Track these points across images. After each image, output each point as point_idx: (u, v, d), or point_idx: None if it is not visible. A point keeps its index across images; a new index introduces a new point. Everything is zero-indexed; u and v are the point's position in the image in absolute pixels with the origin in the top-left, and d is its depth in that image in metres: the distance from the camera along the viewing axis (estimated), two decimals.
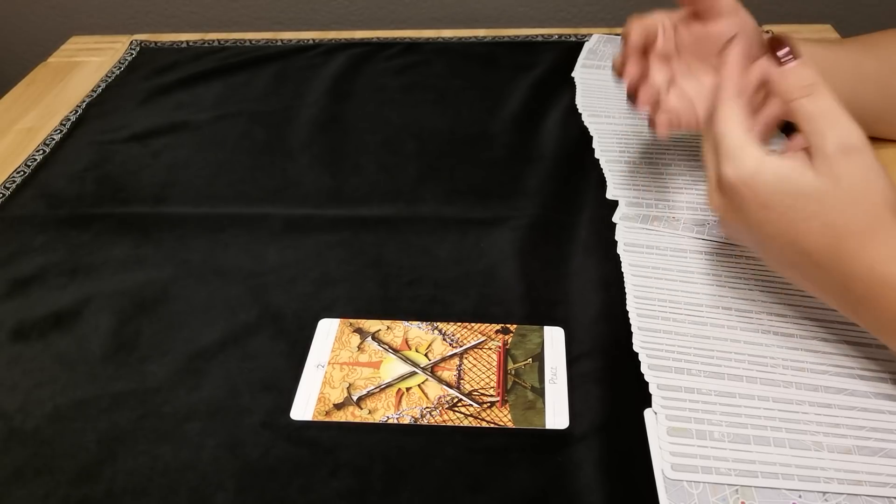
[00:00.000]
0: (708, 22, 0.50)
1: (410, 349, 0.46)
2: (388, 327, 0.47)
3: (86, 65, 0.82)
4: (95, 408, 0.43)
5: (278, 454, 0.40)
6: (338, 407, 0.42)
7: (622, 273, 0.50)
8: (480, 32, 0.84)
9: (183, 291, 0.51)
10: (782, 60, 0.38)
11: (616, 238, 0.53)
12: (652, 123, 0.50)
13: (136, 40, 0.86)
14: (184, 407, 0.43)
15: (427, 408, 0.42)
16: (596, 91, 0.71)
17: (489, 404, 0.42)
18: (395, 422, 0.41)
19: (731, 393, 0.41)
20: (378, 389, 0.43)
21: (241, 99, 0.73)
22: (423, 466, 0.39)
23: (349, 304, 0.49)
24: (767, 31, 0.47)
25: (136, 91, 0.75)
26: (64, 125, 0.70)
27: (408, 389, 0.43)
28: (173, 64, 0.80)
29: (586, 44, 0.79)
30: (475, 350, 0.45)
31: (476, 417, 0.41)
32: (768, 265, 0.47)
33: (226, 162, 0.64)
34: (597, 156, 0.62)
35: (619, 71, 0.50)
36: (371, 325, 0.47)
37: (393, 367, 0.45)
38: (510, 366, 0.44)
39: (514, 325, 0.47)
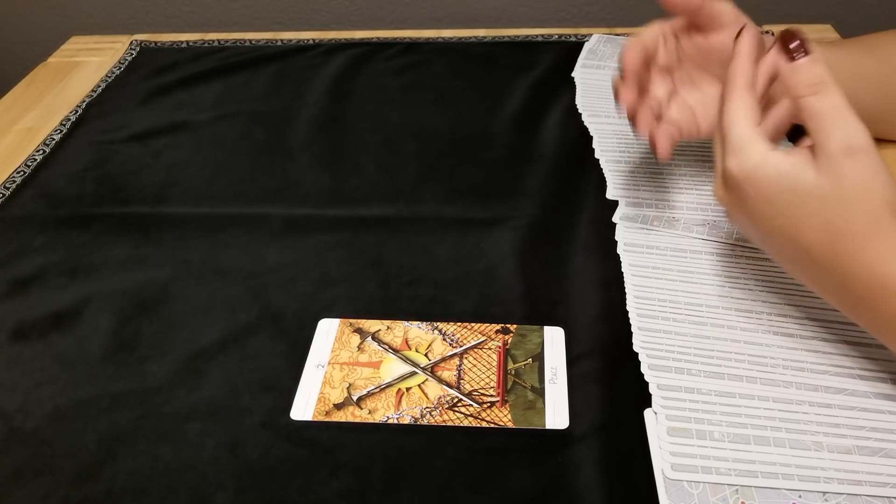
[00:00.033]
0: (710, 33, 0.50)
1: (410, 349, 0.46)
2: (388, 327, 0.47)
3: (86, 65, 0.82)
4: (95, 408, 0.43)
5: (278, 454, 0.40)
6: (338, 407, 0.42)
7: (622, 273, 0.50)
8: (480, 32, 0.84)
9: (183, 291, 0.51)
10: (793, 55, 0.38)
11: (616, 238, 0.53)
12: (653, 147, 0.49)
13: (136, 40, 0.86)
14: (184, 407, 0.43)
15: (427, 408, 0.42)
16: (596, 91, 0.71)
17: (489, 404, 0.42)
18: (395, 422, 0.41)
19: (731, 393, 0.41)
20: (378, 389, 0.43)
21: (241, 99, 0.73)
22: (423, 466, 0.39)
23: (349, 304, 0.49)
24: (767, 32, 0.47)
25: (136, 91, 0.75)
26: (64, 125, 0.70)
27: (408, 389, 0.43)
28: (173, 64, 0.80)
29: (586, 44, 0.79)
30: (475, 350, 0.45)
31: (476, 417, 0.41)
32: (773, 259, 0.47)
33: (226, 162, 0.64)
34: (597, 156, 0.62)
35: (616, 96, 0.50)
36: (371, 325, 0.47)
37: (393, 367, 0.45)
38: (510, 366, 0.44)
39: (514, 325, 0.47)
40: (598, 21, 0.96)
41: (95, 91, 0.76)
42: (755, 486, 0.37)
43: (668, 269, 0.50)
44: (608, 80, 0.72)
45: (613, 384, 0.42)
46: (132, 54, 0.83)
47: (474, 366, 0.44)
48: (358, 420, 0.42)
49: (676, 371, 0.43)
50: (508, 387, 0.43)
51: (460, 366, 0.44)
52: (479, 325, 0.47)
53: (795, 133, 0.47)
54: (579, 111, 0.68)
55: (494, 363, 0.44)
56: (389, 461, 0.39)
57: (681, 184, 0.57)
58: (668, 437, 0.39)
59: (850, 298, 0.39)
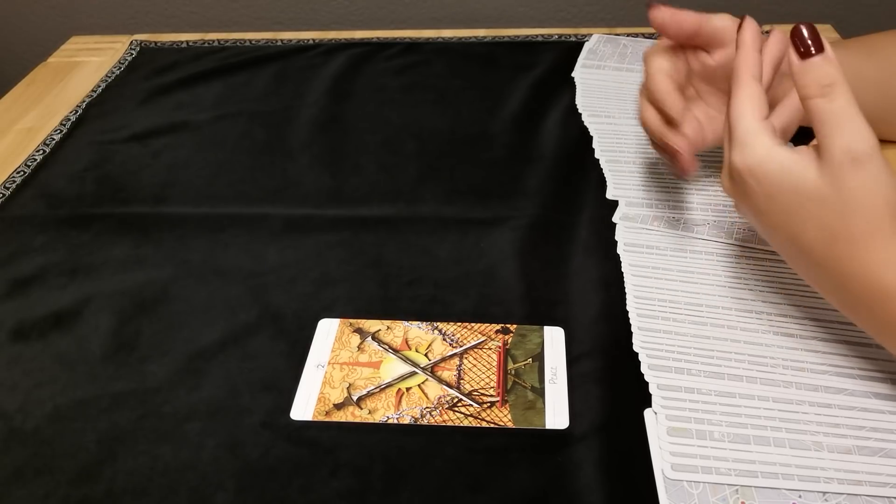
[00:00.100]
0: (714, 51, 0.49)
1: (410, 349, 0.46)
2: (388, 327, 0.47)
3: (86, 65, 0.82)
4: (95, 408, 0.43)
5: (278, 454, 0.40)
6: (338, 407, 0.42)
7: (622, 273, 0.50)
8: (480, 32, 0.84)
9: (183, 291, 0.51)
10: (805, 52, 0.38)
11: (616, 238, 0.53)
12: (682, 168, 0.48)
13: (136, 40, 0.86)
14: (184, 407, 0.43)
15: (427, 408, 0.42)
16: (596, 91, 0.71)
17: (489, 404, 0.42)
18: (395, 422, 0.41)
19: (731, 393, 0.41)
20: (378, 389, 0.43)
21: (241, 99, 0.73)
22: (423, 466, 0.39)
23: (349, 304, 0.49)
24: (767, 32, 0.47)
25: (136, 91, 0.75)
26: (64, 125, 0.70)
27: (408, 389, 0.43)
28: (173, 64, 0.80)
29: (586, 44, 0.79)
30: (475, 350, 0.45)
31: (476, 417, 0.41)
32: (777, 254, 0.47)
33: (226, 162, 0.64)
34: (597, 156, 0.62)
35: (669, 145, 0.48)
36: (371, 325, 0.47)
37: (393, 367, 0.45)
38: (510, 366, 0.44)
39: (514, 325, 0.47)
40: (598, 21, 0.96)
41: (95, 91, 0.76)
42: (755, 486, 0.37)
43: (668, 269, 0.50)
44: (608, 80, 0.72)
45: (613, 384, 0.42)
46: (132, 54, 0.83)
47: (474, 366, 0.44)
48: (358, 420, 0.42)
49: (676, 371, 0.43)
50: (508, 387, 0.43)
51: (460, 366, 0.44)
52: (479, 325, 0.47)
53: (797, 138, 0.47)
54: (579, 111, 0.68)
55: (494, 363, 0.44)
56: (389, 461, 0.39)
57: (681, 184, 0.57)
58: (668, 437, 0.39)
59: (848, 299, 0.39)
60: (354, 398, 0.43)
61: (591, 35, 0.81)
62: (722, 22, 0.48)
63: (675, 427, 0.40)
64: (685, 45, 0.50)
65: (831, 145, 0.36)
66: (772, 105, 0.44)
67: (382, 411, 0.42)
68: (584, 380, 0.43)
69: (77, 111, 0.72)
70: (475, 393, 0.43)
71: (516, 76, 0.74)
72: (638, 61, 0.75)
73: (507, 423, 0.41)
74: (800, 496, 0.36)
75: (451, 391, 0.43)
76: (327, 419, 0.42)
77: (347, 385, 0.44)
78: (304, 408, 0.42)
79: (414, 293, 0.50)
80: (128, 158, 0.65)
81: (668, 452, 0.38)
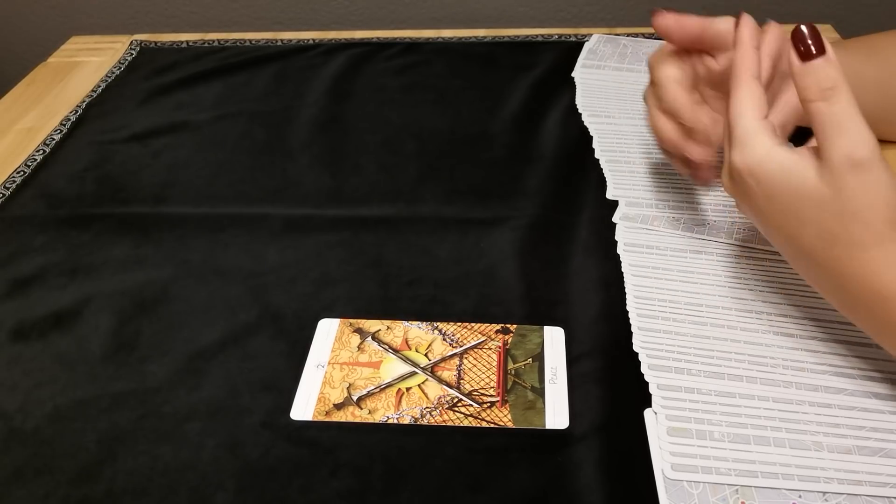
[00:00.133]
0: (718, 55, 0.49)
1: (410, 349, 0.46)
2: (388, 327, 0.47)
3: (86, 65, 0.82)
4: (95, 408, 0.43)
5: (278, 454, 0.40)
6: (338, 407, 0.42)
7: (622, 273, 0.50)
8: (480, 32, 0.84)
9: (183, 291, 0.51)
10: (806, 54, 0.37)
11: (616, 238, 0.53)
12: (703, 180, 0.48)
13: (136, 40, 0.86)
14: (184, 407, 0.43)
15: (427, 408, 0.42)
16: (596, 91, 0.71)
17: (489, 404, 0.42)
18: (395, 422, 0.41)
19: (731, 393, 0.41)
20: (378, 389, 0.43)
21: (241, 99, 0.73)
22: (423, 466, 0.39)
23: (349, 304, 0.49)
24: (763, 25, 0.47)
25: (136, 91, 0.75)
26: (64, 125, 0.70)
27: (408, 389, 0.43)
28: (173, 64, 0.80)
29: (586, 44, 0.79)
30: (475, 350, 0.45)
31: (476, 417, 0.41)
32: (778, 254, 0.47)
33: (226, 162, 0.64)
34: (597, 156, 0.62)
35: (692, 157, 0.48)
36: (371, 325, 0.47)
37: (393, 367, 0.45)
38: (510, 366, 0.44)
39: (514, 325, 0.47)
40: (598, 21, 0.96)
41: (95, 91, 0.76)
42: (755, 486, 0.37)
43: (668, 269, 0.50)
44: (608, 80, 0.72)
45: (613, 384, 0.42)
46: (132, 54, 0.83)
47: (474, 366, 0.44)
48: (358, 420, 0.42)
49: (676, 371, 0.43)
50: (508, 387, 0.43)
51: (460, 366, 0.44)
52: (479, 325, 0.47)
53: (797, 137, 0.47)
54: (579, 111, 0.68)
55: (494, 363, 0.44)
56: (389, 461, 0.39)
57: (681, 184, 0.57)
58: (668, 437, 0.39)
59: (848, 300, 0.39)
60: (354, 398, 0.43)
61: (591, 35, 0.81)
62: (725, 25, 0.48)
63: (675, 427, 0.40)
64: (690, 49, 0.50)
65: (832, 149, 0.36)
66: (771, 101, 0.44)
67: (382, 411, 0.42)
68: (584, 380, 0.43)
69: (77, 111, 0.72)
70: (475, 393, 0.43)
71: (516, 76, 0.74)
72: (638, 61, 0.75)
73: (507, 423, 0.41)
74: (800, 496, 0.36)
75: (451, 391, 0.43)
76: (327, 419, 0.42)
77: (347, 385, 0.44)
78: (304, 408, 0.42)
79: (414, 293, 0.50)
80: (128, 158, 0.65)
81: (668, 452, 0.38)
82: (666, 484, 0.37)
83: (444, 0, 0.95)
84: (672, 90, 0.48)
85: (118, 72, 0.79)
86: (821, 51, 0.37)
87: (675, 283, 0.48)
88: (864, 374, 0.42)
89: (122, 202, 0.60)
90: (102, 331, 0.48)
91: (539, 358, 0.44)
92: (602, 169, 0.60)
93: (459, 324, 0.47)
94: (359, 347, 0.46)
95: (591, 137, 0.64)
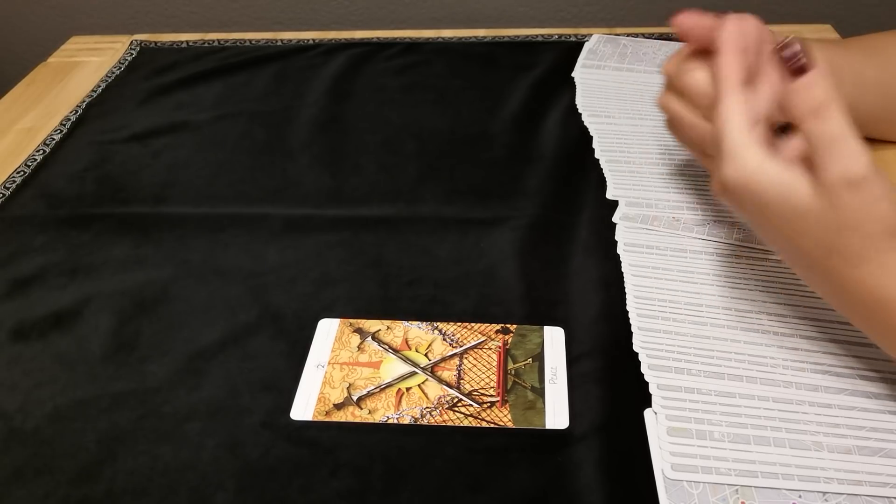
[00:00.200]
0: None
1: (410, 349, 0.46)
2: (388, 327, 0.47)
3: (86, 65, 0.82)
4: (95, 408, 0.43)
5: (278, 454, 0.40)
6: (338, 407, 0.42)
7: (622, 273, 0.50)
8: (480, 32, 0.84)
9: (183, 291, 0.51)
10: (790, 67, 0.37)
11: (616, 238, 0.53)
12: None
13: (136, 40, 0.86)
14: (184, 407, 0.43)
15: (427, 408, 0.42)
16: (596, 91, 0.71)
17: (489, 404, 0.42)
18: (395, 422, 0.41)
19: (731, 393, 0.41)
20: (378, 389, 0.43)
21: (241, 99, 0.73)
22: (423, 466, 0.39)
23: (349, 304, 0.49)
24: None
25: (136, 91, 0.75)
26: (64, 125, 0.70)
27: (408, 389, 0.43)
28: (173, 64, 0.80)
29: (586, 44, 0.79)
30: (475, 350, 0.45)
31: (476, 417, 0.41)
32: (776, 257, 0.47)
33: (226, 162, 0.64)
34: (597, 156, 0.62)
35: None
36: (371, 325, 0.47)
37: (393, 367, 0.45)
38: (510, 366, 0.44)
39: (514, 325, 0.47)
40: (598, 21, 0.96)
41: (95, 91, 0.76)
42: (755, 486, 0.37)
43: (668, 269, 0.50)
44: (608, 80, 0.72)
45: (613, 384, 0.42)
46: (132, 54, 0.83)
47: (474, 366, 0.44)
48: (358, 420, 0.42)
49: (676, 371, 0.43)
50: (508, 387, 0.43)
51: (460, 366, 0.44)
52: (479, 325, 0.47)
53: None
54: (579, 111, 0.68)
55: (494, 363, 0.44)
56: (389, 461, 0.39)
57: (681, 184, 0.57)
58: (668, 437, 0.39)
59: (846, 306, 0.39)
60: (354, 398, 0.43)
61: (591, 35, 0.81)
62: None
63: (675, 427, 0.40)
64: (707, 49, 0.49)
65: (826, 168, 0.35)
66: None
67: (382, 411, 0.42)
68: (584, 380, 0.43)
69: (77, 111, 0.72)
70: (475, 393, 0.43)
71: (516, 76, 0.74)
72: (638, 61, 0.75)
73: (507, 423, 0.41)
74: (800, 496, 0.36)
75: (451, 391, 0.43)
76: (327, 419, 0.42)
77: (347, 385, 0.44)
78: (304, 408, 0.42)
79: (414, 293, 0.50)
80: (128, 158, 0.65)
81: (668, 452, 0.38)
82: (666, 484, 0.37)
83: (444, 0, 0.95)
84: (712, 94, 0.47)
85: (118, 72, 0.79)
86: (809, 67, 0.36)
87: (675, 283, 0.48)
88: (865, 374, 0.42)
89: (122, 202, 0.60)
90: (102, 331, 0.48)
91: (539, 358, 0.44)
92: (602, 169, 0.60)
93: (459, 324, 0.47)
94: (359, 347, 0.46)
95: (591, 137, 0.64)
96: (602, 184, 0.58)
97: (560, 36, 0.82)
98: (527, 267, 0.51)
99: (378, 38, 0.83)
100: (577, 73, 0.74)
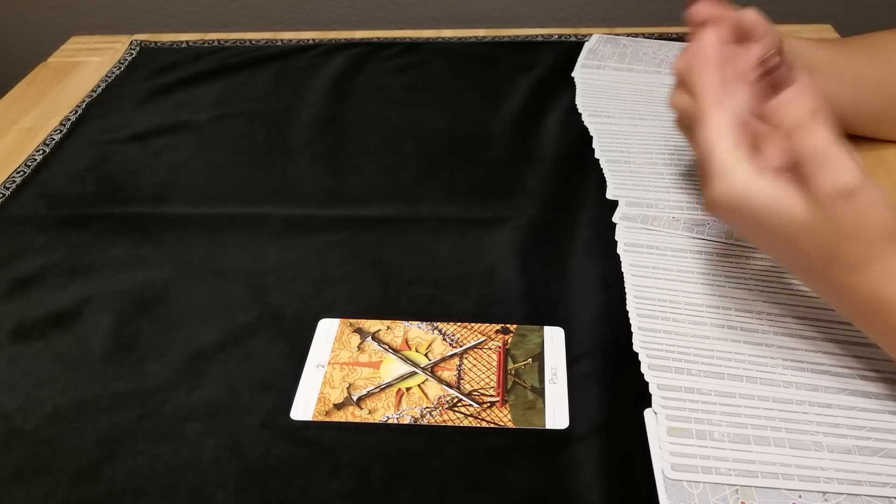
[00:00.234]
0: (746, 45, 0.48)
1: (410, 349, 0.46)
2: (388, 327, 0.47)
3: (86, 65, 0.82)
4: (95, 408, 0.43)
5: (278, 454, 0.40)
6: (338, 407, 0.42)
7: (622, 273, 0.50)
8: (480, 32, 0.84)
9: (183, 291, 0.51)
10: (772, 81, 0.36)
11: (616, 238, 0.53)
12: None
13: (136, 40, 0.86)
14: (184, 407, 0.43)
15: (427, 408, 0.42)
16: (596, 91, 0.71)
17: (489, 404, 0.42)
18: (395, 422, 0.41)
19: (731, 393, 0.41)
20: (378, 389, 0.43)
21: (241, 99, 0.73)
22: (423, 466, 0.39)
23: (349, 304, 0.49)
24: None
25: (136, 91, 0.75)
26: (64, 125, 0.70)
27: (408, 389, 0.43)
28: (173, 64, 0.80)
29: (586, 44, 0.79)
30: (475, 350, 0.45)
31: (476, 417, 0.41)
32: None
33: (226, 162, 0.64)
34: (597, 156, 0.62)
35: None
36: (371, 325, 0.47)
37: (393, 367, 0.45)
38: (510, 366, 0.44)
39: (514, 325, 0.47)
40: (598, 21, 0.96)
41: (95, 91, 0.76)
42: (755, 486, 0.37)
43: (668, 269, 0.50)
44: (608, 80, 0.72)
45: (613, 384, 0.42)
46: (132, 54, 0.83)
47: (474, 366, 0.44)
48: (358, 420, 0.42)
49: (676, 371, 0.43)
50: (508, 387, 0.43)
51: (460, 366, 0.44)
52: (479, 325, 0.47)
53: None
54: (579, 111, 0.68)
55: (494, 363, 0.44)
56: (389, 461, 0.39)
57: (681, 184, 0.57)
58: (668, 437, 0.39)
59: (847, 309, 0.39)
60: (354, 398, 0.43)
61: (591, 35, 0.81)
62: (750, 16, 0.47)
63: (675, 427, 0.40)
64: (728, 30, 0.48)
65: (817, 182, 0.35)
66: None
67: (382, 411, 0.42)
68: (584, 380, 0.43)
69: (77, 111, 0.72)
70: (475, 393, 0.43)
71: (516, 76, 0.74)
72: (638, 61, 0.75)
73: (507, 423, 0.41)
74: (800, 496, 0.36)
75: (451, 391, 0.43)
76: (327, 419, 0.42)
77: (347, 385, 0.44)
78: (304, 408, 0.42)
79: (414, 293, 0.50)
80: (128, 158, 0.65)
81: (668, 452, 0.38)
82: (666, 484, 0.37)
83: (444, 0, 0.95)
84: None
85: (118, 72, 0.79)
86: (790, 82, 0.36)
87: (675, 283, 0.48)
88: (865, 374, 0.42)
89: (122, 202, 0.60)
90: (102, 331, 0.48)
91: (539, 358, 0.44)
92: (602, 169, 0.60)
93: (459, 324, 0.47)
94: (359, 347, 0.46)
95: (591, 137, 0.64)
96: (602, 184, 0.58)
97: (560, 36, 0.82)
98: (527, 267, 0.51)
99: (378, 38, 0.83)
100: (577, 73, 0.74)
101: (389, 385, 0.44)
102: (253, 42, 0.84)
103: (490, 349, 0.45)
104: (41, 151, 0.66)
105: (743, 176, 0.37)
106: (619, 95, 0.70)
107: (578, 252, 0.52)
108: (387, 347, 0.46)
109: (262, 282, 0.51)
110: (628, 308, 0.47)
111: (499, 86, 0.72)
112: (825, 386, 0.41)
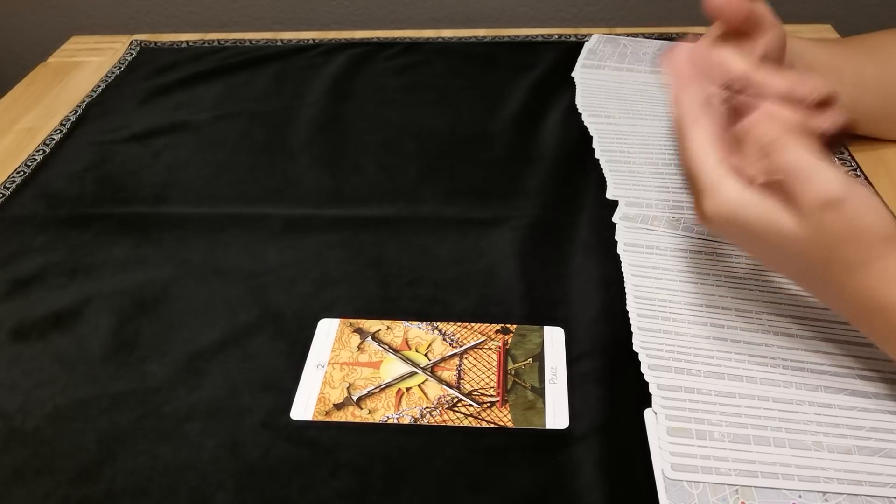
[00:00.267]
0: (755, 37, 0.48)
1: (410, 349, 0.46)
2: (388, 327, 0.47)
3: (86, 65, 0.82)
4: (95, 408, 0.43)
5: (278, 454, 0.40)
6: (338, 407, 0.42)
7: (622, 273, 0.50)
8: (480, 32, 0.84)
9: (183, 291, 0.51)
10: (741, 108, 0.36)
11: (616, 238, 0.53)
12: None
13: (136, 40, 0.86)
14: (184, 407, 0.43)
15: (427, 408, 0.42)
16: (596, 91, 0.71)
17: (489, 404, 0.42)
18: (395, 422, 0.41)
19: (731, 393, 0.41)
20: (378, 389, 0.43)
21: (241, 99, 0.73)
22: (423, 466, 0.39)
23: (349, 304, 0.49)
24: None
25: (136, 91, 0.75)
26: (64, 125, 0.70)
27: (408, 389, 0.43)
28: (173, 64, 0.80)
29: (586, 44, 0.79)
30: (475, 350, 0.45)
31: (476, 417, 0.41)
32: None
33: (226, 162, 0.64)
34: (597, 156, 0.62)
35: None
36: (371, 325, 0.47)
37: (393, 367, 0.45)
38: (510, 366, 0.44)
39: (514, 325, 0.47)
40: (598, 21, 0.96)
41: (95, 91, 0.76)
42: (755, 486, 0.37)
43: (668, 269, 0.50)
44: (608, 80, 0.72)
45: (613, 384, 0.42)
46: (132, 54, 0.83)
47: (474, 366, 0.44)
48: (358, 420, 0.42)
49: (676, 371, 0.43)
50: (508, 387, 0.43)
51: (460, 366, 0.44)
52: (479, 325, 0.47)
53: None
54: (579, 111, 0.68)
55: (494, 363, 0.44)
56: (389, 461, 0.39)
57: (681, 184, 0.57)
58: (668, 437, 0.39)
59: (846, 311, 0.39)
60: (354, 398, 0.43)
61: (591, 35, 0.81)
62: (761, 8, 0.47)
63: (675, 427, 0.40)
64: (737, 30, 0.48)
65: (801, 196, 0.35)
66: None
67: (382, 411, 0.42)
68: (584, 380, 0.43)
69: (77, 111, 0.72)
70: (475, 393, 0.43)
71: (516, 76, 0.74)
72: (638, 61, 0.75)
73: (507, 423, 0.41)
74: (800, 496, 0.36)
75: (451, 391, 0.43)
76: (327, 419, 0.42)
77: (347, 385, 0.44)
78: (304, 408, 0.42)
79: (414, 293, 0.50)
80: (128, 158, 0.65)
81: (668, 452, 0.38)
82: (666, 484, 0.37)
83: (444, 0, 0.95)
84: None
85: (118, 72, 0.79)
86: (753, 105, 0.36)
87: (675, 283, 0.48)
88: (864, 373, 0.42)
89: (122, 202, 0.60)
90: (102, 331, 0.48)
91: (539, 358, 0.44)
92: (602, 169, 0.60)
93: (459, 324, 0.47)
94: (359, 347, 0.46)
95: (591, 137, 0.64)
96: (602, 184, 0.58)
97: (560, 36, 0.82)
98: (527, 267, 0.51)
99: (378, 38, 0.83)
100: (577, 73, 0.74)
101: (389, 385, 0.44)
102: (253, 42, 0.84)
103: (490, 349, 0.45)
104: (41, 151, 0.66)
105: (733, 191, 0.37)
106: (619, 95, 0.70)
107: (578, 252, 0.52)
108: (387, 347, 0.46)
109: (262, 282, 0.51)
110: (628, 308, 0.47)
111: (499, 86, 0.72)
112: (825, 386, 0.41)
